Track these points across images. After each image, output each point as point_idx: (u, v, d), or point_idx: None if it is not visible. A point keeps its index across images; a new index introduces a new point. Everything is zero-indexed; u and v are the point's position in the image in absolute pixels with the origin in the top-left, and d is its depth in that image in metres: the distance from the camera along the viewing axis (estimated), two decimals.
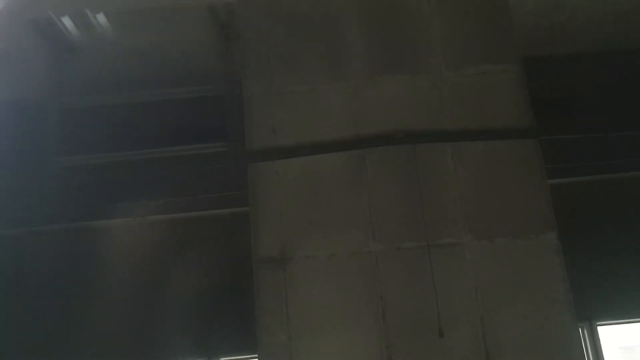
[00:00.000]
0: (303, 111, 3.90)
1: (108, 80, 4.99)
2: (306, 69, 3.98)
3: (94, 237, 4.94)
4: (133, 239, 4.94)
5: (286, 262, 3.59)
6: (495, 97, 3.89)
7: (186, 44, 4.77)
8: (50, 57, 4.72)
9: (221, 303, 4.74)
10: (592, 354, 4.52)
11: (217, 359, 4.69)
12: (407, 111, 3.87)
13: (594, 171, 4.91)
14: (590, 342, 4.54)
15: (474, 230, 3.63)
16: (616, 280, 4.66)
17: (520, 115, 3.85)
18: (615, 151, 4.94)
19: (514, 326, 3.44)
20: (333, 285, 3.54)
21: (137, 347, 4.70)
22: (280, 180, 3.76)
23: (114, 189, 4.97)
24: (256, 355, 3.51)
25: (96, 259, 4.89)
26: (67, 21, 4.39)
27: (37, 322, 4.72)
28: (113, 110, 5.03)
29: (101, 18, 4.40)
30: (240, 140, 4.11)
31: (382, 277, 3.55)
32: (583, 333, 4.54)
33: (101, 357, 4.67)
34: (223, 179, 4.92)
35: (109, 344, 4.69)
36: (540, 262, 3.57)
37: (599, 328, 4.60)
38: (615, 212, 4.88)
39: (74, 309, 4.74)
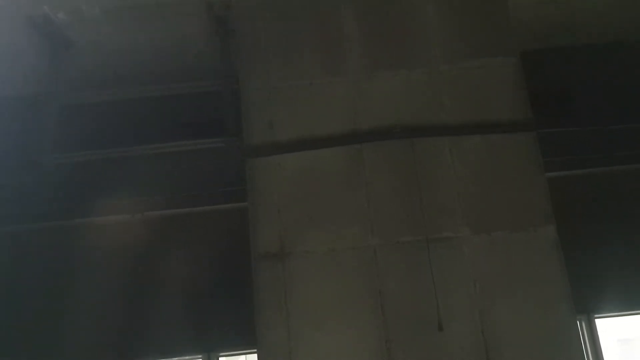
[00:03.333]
0: (301, 106, 3.89)
1: (104, 76, 4.96)
2: (304, 64, 3.97)
3: (91, 233, 4.93)
4: (131, 235, 4.93)
5: (285, 257, 3.59)
6: (492, 90, 3.89)
7: (183, 39, 4.74)
8: (46, 53, 4.69)
9: (220, 298, 4.74)
10: (590, 347, 4.53)
11: (217, 355, 4.70)
12: (405, 105, 3.87)
13: (592, 164, 4.90)
14: (588, 335, 4.55)
15: (472, 224, 3.64)
16: (614, 274, 4.67)
17: (518, 109, 3.85)
18: (614, 144, 4.94)
19: (513, 319, 3.46)
20: (332, 280, 3.55)
21: (135, 342, 4.70)
22: (279, 176, 3.76)
23: (111, 186, 4.96)
24: (255, 351, 3.52)
25: (94, 255, 4.87)
26: (62, 17, 4.36)
27: (36, 318, 4.71)
28: (109, 106, 5.01)
29: (97, 13, 4.37)
30: (238, 136, 4.10)
31: (381, 272, 3.56)
32: (581, 326, 4.55)
33: (99, 352, 4.67)
34: (221, 175, 4.91)
35: (107, 339, 4.69)
36: (539, 255, 3.58)
37: (596, 321, 4.61)
38: (614, 205, 4.88)
39: (71, 305, 4.74)
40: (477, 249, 3.59)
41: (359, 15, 4.04)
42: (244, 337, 4.40)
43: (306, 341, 3.44)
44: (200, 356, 4.69)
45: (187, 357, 4.75)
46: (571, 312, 3.48)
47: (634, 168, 4.93)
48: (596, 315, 4.62)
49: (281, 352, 3.42)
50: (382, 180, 3.73)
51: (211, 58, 4.73)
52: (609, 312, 4.68)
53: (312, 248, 3.61)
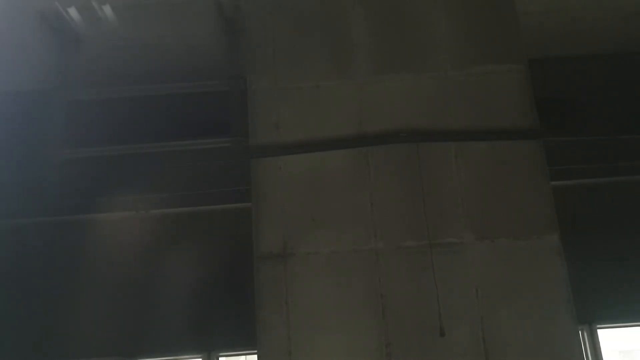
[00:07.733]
0: (307, 108, 3.90)
1: (113, 73, 4.99)
2: (311, 66, 3.97)
3: (94, 229, 4.95)
4: (134, 233, 4.94)
5: (287, 257, 3.59)
6: (499, 97, 3.89)
7: (192, 38, 4.77)
8: (55, 49, 4.72)
9: (221, 298, 4.74)
10: (591, 357, 4.51)
11: (217, 355, 4.70)
12: (411, 109, 3.87)
13: (597, 174, 4.90)
14: (590, 345, 4.53)
15: (476, 230, 3.63)
16: (617, 284, 4.65)
17: (525, 116, 3.84)
18: (619, 154, 4.93)
19: (514, 327, 3.44)
20: (333, 281, 3.54)
21: (136, 341, 4.70)
22: (283, 176, 3.76)
23: (117, 182, 4.98)
24: (255, 351, 3.52)
25: (97, 252, 4.89)
26: (73, 13, 4.39)
27: (36, 314, 4.72)
28: (117, 103, 5.03)
29: (107, 10, 4.39)
30: (244, 136, 4.10)
31: (382, 275, 3.55)
32: (583, 336, 4.54)
33: (100, 349, 4.68)
34: (226, 175, 4.93)
35: (108, 337, 4.69)
36: (542, 263, 3.56)
37: (599, 331, 4.59)
38: (618, 215, 4.87)
39: (74, 301, 4.75)
40: (480, 255, 3.58)
41: (368, 19, 4.04)
42: (244, 337, 4.40)
43: (306, 342, 3.43)
44: (200, 356, 4.70)
45: (187, 357, 4.75)
46: (573, 321, 3.46)
47: (639, 179, 4.93)
48: (598, 326, 4.61)
49: (281, 352, 3.42)
50: (387, 184, 3.72)
51: (219, 58, 4.75)
52: (611, 323, 4.67)
53: (314, 249, 3.61)
